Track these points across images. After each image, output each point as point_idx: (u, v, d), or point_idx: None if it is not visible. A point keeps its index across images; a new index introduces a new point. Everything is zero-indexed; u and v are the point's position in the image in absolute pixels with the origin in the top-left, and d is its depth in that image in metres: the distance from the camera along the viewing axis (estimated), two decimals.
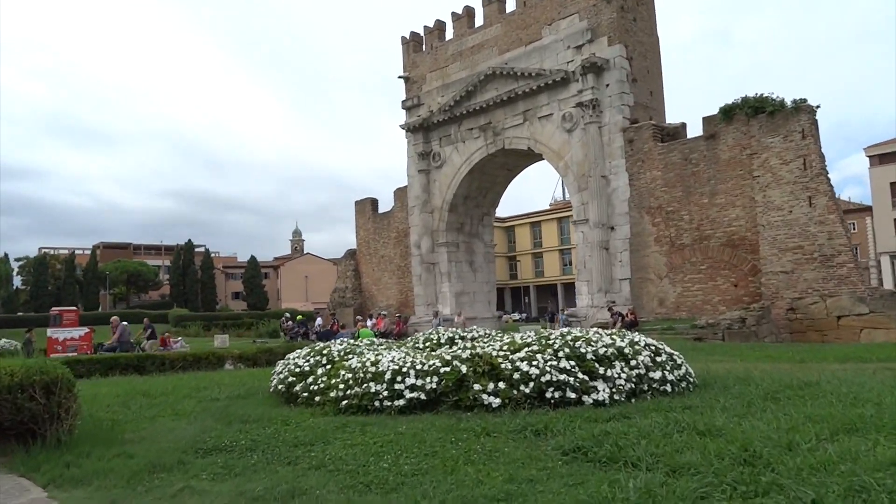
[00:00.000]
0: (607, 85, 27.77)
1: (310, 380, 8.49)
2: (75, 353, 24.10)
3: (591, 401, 7.12)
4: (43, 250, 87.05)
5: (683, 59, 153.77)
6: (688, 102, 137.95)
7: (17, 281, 77.13)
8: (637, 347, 8.05)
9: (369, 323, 24.52)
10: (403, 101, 36.68)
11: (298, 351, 9.89)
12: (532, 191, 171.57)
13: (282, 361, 9.57)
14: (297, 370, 8.95)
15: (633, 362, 7.72)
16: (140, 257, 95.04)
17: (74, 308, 29.96)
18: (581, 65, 27.78)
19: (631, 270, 26.91)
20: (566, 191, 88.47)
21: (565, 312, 32.67)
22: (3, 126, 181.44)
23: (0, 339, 29.22)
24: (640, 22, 28.91)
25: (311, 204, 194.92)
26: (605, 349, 7.76)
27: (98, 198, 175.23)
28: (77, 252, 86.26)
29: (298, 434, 6.58)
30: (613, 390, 7.35)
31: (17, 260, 79.83)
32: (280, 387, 8.92)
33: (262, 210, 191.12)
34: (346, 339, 19.61)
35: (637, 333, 9.18)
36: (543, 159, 32.48)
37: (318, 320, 27.14)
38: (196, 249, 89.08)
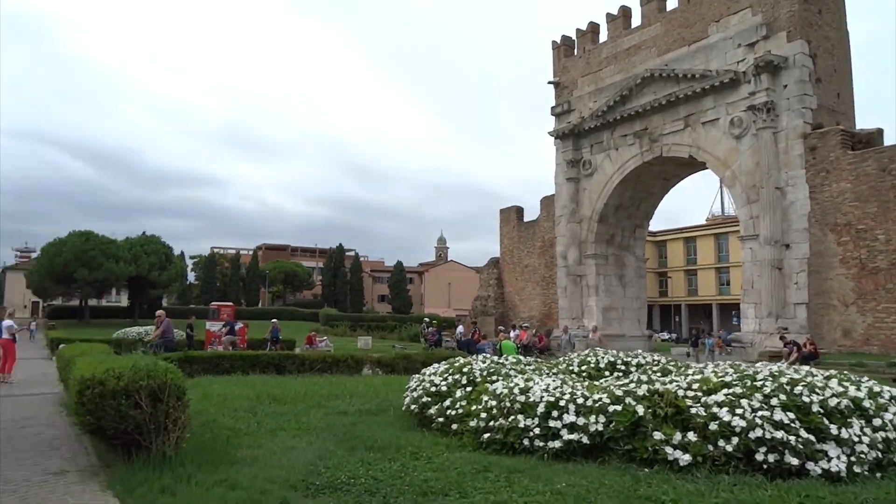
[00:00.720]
0: (785, 86, 24.80)
1: (447, 402, 7.56)
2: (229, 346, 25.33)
3: (819, 470, 5.49)
4: (213, 249, 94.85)
5: (878, 58, 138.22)
6: (883, 107, 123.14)
7: (191, 276, 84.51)
8: (881, 400, 6.25)
9: (511, 335, 23.49)
10: (553, 108, 35.40)
11: (436, 366, 8.95)
12: (685, 204, 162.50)
13: (417, 377, 8.68)
14: (434, 389, 7.98)
15: (876, 421, 5.96)
16: (296, 259, 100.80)
17: (231, 304, 31.61)
18: (754, 64, 25.04)
19: (808, 294, 23.74)
20: (727, 203, 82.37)
21: (728, 336, 29.79)
22: (186, 139, 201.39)
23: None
24: (825, 15, 25.61)
25: (456, 212, 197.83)
26: (836, 400, 6.03)
27: (263, 203, 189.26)
28: (242, 252, 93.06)
29: (429, 475, 5.60)
30: (852, 458, 5.66)
31: (192, 258, 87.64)
32: (413, 406, 8.05)
33: (409, 217, 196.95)
34: (487, 351, 18.79)
35: (816, 368, 7.36)
36: (705, 168, 29.87)
37: (460, 328, 26.57)
38: (346, 253, 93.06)
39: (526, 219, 39.31)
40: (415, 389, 8.34)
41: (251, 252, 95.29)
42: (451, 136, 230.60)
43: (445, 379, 8.15)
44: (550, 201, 36.18)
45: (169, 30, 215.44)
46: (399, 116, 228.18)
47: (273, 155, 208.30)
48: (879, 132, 23.58)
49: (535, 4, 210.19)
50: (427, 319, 33.30)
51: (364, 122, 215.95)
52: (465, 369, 8.27)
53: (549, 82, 35.65)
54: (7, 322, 15.63)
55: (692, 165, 30.53)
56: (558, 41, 35.58)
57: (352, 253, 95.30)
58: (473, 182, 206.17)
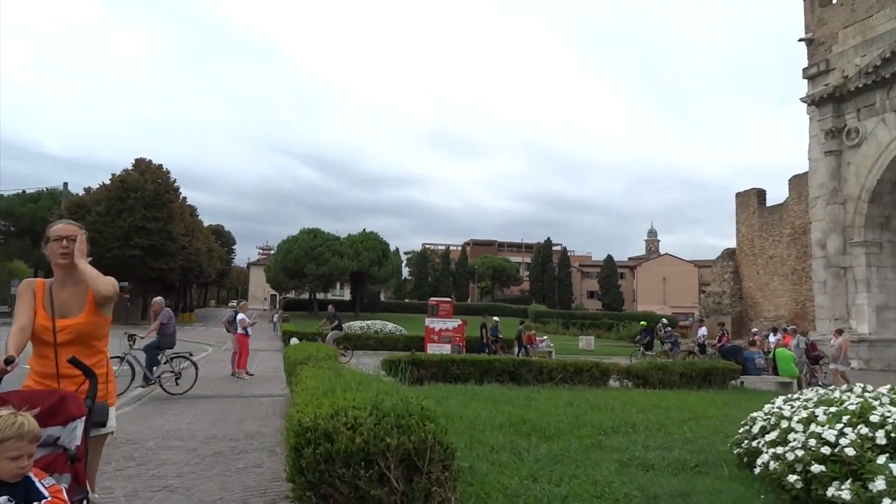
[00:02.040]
0: None
1: (878, 485, 3.84)
2: (447, 346, 24.44)
3: None
4: (424, 245, 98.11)
5: None
6: None
7: (405, 272, 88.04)
8: None
9: (772, 339, 19.66)
10: (805, 69, 30.04)
11: (781, 401, 5.95)
12: None
13: (759, 415, 5.83)
14: (825, 451, 4.43)
15: None
16: (503, 254, 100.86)
17: (449, 299, 30.98)
18: None
19: None
20: None
21: None
22: (397, 143, 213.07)
23: (388, 323, 31.47)
24: None
25: (662, 204, 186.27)
26: None
27: (468, 201, 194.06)
28: (451, 248, 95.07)
29: None
30: None
31: (406, 254, 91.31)
32: (778, 469, 4.69)
33: (612, 211, 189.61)
34: (758, 362, 15.51)
35: None
36: None
37: (703, 330, 23.09)
38: (553, 248, 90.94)
39: (768, 203, 34.15)
40: (769, 441, 5.11)
41: (460, 248, 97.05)
42: (655, 124, 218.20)
43: (841, 432, 4.55)
44: (802, 180, 30.81)
45: (381, 43, 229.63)
46: (601, 106, 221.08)
47: (476, 153, 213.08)
48: None
49: None
50: (665, 320, 29.90)
51: (566, 116, 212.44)
52: (874, 417, 4.61)
53: (801, 39, 30.31)
54: (241, 315, 15.57)
55: None
56: None
57: (559, 247, 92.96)
58: (679, 171, 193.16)
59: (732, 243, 35.55)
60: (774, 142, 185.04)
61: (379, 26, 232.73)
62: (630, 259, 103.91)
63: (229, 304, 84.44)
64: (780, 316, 32.05)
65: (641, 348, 24.15)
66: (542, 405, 8.81)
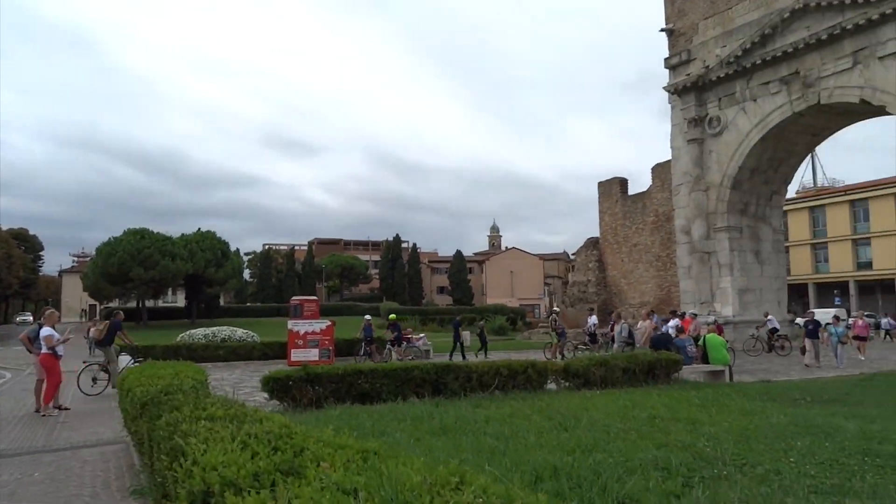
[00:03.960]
0: None
1: None
2: (314, 352, 21.27)
3: None
4: (266, 245, 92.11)
5: None
6: None
7: (246, 274, 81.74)
8: None
9: (670, 324, 18.83)
10: (667, 59, 30.46)
11: None
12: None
13: None
14: None
15: None
16: (350, 252, 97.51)
17: (315, 298, 27.60)
18: None
19: None
20: (820, 174, 75.35)
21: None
22: (229, 142, 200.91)
23: (238, 330, 27.25)
24: None
25: (498, 203, 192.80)
26: None
27: (307, 202, 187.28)
28: (296, 248, 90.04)
29: None
30: None
31: (246, 254, 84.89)
32: None
33: (452, 210, 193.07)
34: (689, 350, 14.25)
35: None
36: (874, 116, 24.72)
37: (593, 319, 21.95)
38: (402, 245, 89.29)
39: (630, 192, 34.52)
40: None
41: (305, 247, 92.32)
42: (489, 127, 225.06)
43: None
44: (665, 169, 31.24)
45: (206, 36, 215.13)
46: (438, 110, 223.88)
47: (314, 154, 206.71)
48: None
49: None
50: (557, 310, 28.78)
51: (405, 119, 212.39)
52: None
53: (662, 29, 30.70)
54: (46, 331, 11.06)
55: (857, 114, 25.39)
56: None
57: (407, 244, 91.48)
58: (514, 172, 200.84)
59: (561, 241, 35.72)
60: (630, 135, 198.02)
61: (201, 19, 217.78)
62: (476, 254, 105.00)
63: (18, 318, 71.88)
64: (646, 302, 32.39)
65: (553, 334, 22.79)
66: (518, 435, 6.31)
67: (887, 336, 33.33)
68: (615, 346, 19.22)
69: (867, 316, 36.41)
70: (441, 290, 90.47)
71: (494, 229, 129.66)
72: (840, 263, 60.77)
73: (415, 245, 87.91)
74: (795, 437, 5.90)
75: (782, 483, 4.28)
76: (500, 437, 6.17)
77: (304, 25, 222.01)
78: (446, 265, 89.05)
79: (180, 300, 68.57)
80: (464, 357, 23.36)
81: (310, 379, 10.13)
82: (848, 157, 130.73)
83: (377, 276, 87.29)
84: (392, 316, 24.31)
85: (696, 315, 18.75)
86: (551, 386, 11.25)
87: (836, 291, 60.09)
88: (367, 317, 24.16)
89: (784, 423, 6.90)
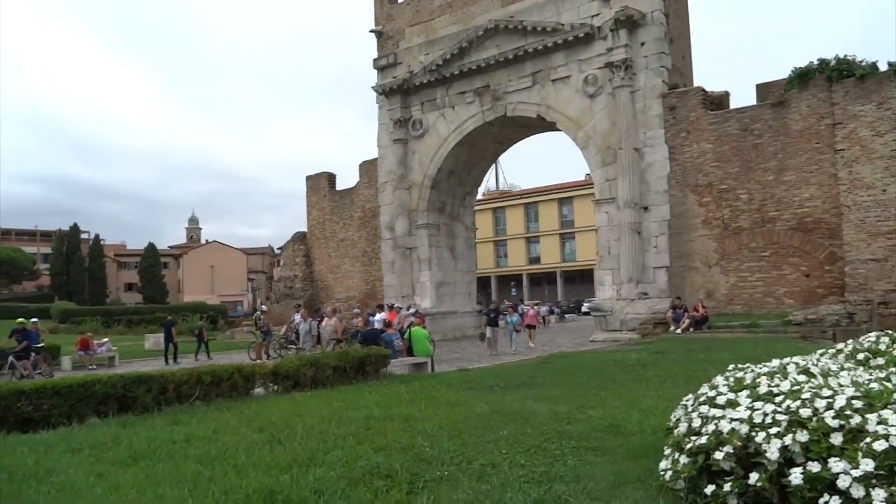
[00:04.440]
0: (643, 43, 23.87)
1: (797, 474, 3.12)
2: None
3: None
4: None
5: None
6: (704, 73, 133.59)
7: None
8: None
9: (378, 317, 19.22)
10: (376, 60, 31.29)
11: (715, 384, 4.29)
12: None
13: (682, 415, 4.15)
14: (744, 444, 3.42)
15: None
16: (10, 243, 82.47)
17: None
18: (614, 18, 23.70)
19: (670, 258, 23.22)
20: (502, 178, 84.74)
21: (587, 305, 28.73)
22: None
23: None
24: None
25: (197, 193, 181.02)
26: None
27: None
28: None
29: None
30: None
31: None
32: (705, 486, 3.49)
33: (144, 199, 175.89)
34: (396, 344, 14.51)
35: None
36: (550, 130, 28.42)
37: (297, 317, 21.28)
38: (81, 236, 78.45)
39: (339, 187, 34.78)
40: (694, 448, 3.66)
41: None
42: (188, 111, 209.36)
43: (765, 415, 3.49)
44: (372, 166, 32.14)
45: None
46: (129, 88, 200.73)
47: None
48: (727, 94, 23.80)
49: None
50: (263, 307, 27.21)
51: (87, 93, 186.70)
52: (779, 387, 3.80)
53: (371, 31, 31.40)
54: None
55: (535, 127, 28.86)
56: None
57: (88, 235, 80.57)
58: (215, 161, 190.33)
59: (267, 234, 35.14)
60: (336, 131, 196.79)
61: None
62: (171, 248, 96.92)
63: None
64: (352, 296, 32.97)
65: (258, 333, 21.62)
66: (231, 442, 5.65)
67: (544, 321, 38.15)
68: (326, 343, 19.00)
69: (536, 304, 42.11)
70: (130, 287, 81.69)
71: (193, 221, 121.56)
72: (516, 258, 69.55)
73: (97, 236, 77.75)
74: (500, 426, 6.21)
75: (499, 477, 4.36)
76: (204, 459, 5.37)
77: None
78: (136, 259, 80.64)
79: None
80: (176, 360, 21.47)
81: None
82: (523, 165, 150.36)
83: (47, 272, 75.34)
84: (20, 321, 19.54)
85: (400, 308, 19.55)
86: (259, 391, 10.52)
87: (512, 283, 68.64)
88: (34, 319, 20.46)
89: (487, 411, 7.28)
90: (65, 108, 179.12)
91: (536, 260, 68.64)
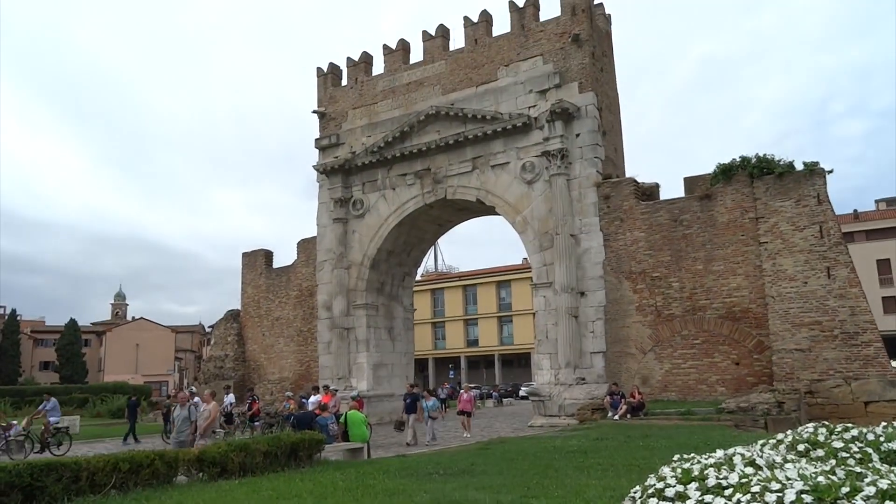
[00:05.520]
0: (577, 135, 25.00)
1: None
2: None
3: None
4: None
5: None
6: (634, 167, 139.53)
7: None
8: None
9: (312, 399, 18.45)
10: (318, 139, 31.61)
11: (662, 475, 4.03)
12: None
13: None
14: None
15: None
16: None
17: None
18: (550, 110, 24.84)
19: (606, 343, 23.52)
20: (441, 260, 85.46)
21: (525, 389, 28.41)
22: None
23: None
24: (605, 74, 26.87)
25: (125, 268, 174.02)
26: None
27: None
28: None
29: None
30: None
31: None
32: None
33: (67, 272, 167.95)
34: (331, 428, 13.86)
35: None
36: (488, 214, 29.03)
37: (230, 398, 20.20)
38: None
39: (275, 265, 34.17)
40: None
41: None
42: (116, 183, 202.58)
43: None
44: (310, 244, 31.83)
45: None
46: (55, 158, 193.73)
47: None
48: (657, 186, 24.94)
49: (211, 54, 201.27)
50: (192, 388, 25.73)
51: (9, 161, 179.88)
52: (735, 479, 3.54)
53: (314, 111, 31.83)
54: None
55: (474, 211, 29.40)
56: (325, 68, 32.15)
57: (3, 311, 75.98)
58: (144, 235, 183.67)
59: (197, 311, 34.02)
60: (273, 209, 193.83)
61: None
62: (94, 324, 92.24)
63: None
64: (285, 377, 31.84)
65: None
66: None
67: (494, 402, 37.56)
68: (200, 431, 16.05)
69: (473, 388, 41.57)
70: (46, 365, 76.70)
71: (120, 297, 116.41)
72: (454, 340, 69.14)
73: (14, 311, 73.33)
74: None
75: None
76: None
77: None
78: (55, 336, 76.11)
79: None
80: (137, 440, 21.48)
81: None
82: (462, 247, 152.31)
83: None
84: None
85: (336, 390, 18.87)
86: (182, 479, 9.78)
87: (451, 366, 67.94)
88: None
89: (428, 501, 6.92)
90: None
91: (475, 342, 68.46)
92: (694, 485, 3.92)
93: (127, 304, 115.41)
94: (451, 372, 65.49)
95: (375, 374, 29.39)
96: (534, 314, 26.01)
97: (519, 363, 65.99)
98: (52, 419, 20.10)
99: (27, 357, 75.08)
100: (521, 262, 68.38)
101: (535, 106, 25.97)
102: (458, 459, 11.45)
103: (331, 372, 29.39)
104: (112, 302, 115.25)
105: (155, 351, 78.11)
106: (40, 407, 21.13)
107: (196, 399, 20.38)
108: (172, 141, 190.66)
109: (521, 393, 50.27)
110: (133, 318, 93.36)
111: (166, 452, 9.83)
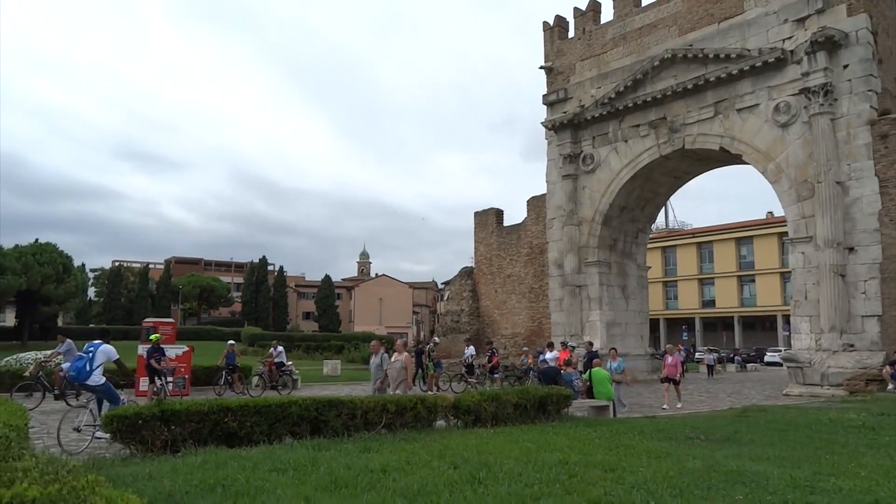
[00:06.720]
0: (845, 66, 21.64)
1: None
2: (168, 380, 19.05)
3: None
4: (117, 262, 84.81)
5: None
6: None
7: (91, 292, 74.41)
8: None
9: (549, 355, 18.73)
10: (545, 95, 31.27)
11: None
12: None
13: None
14: None
15: None
16: (210, 273, 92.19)
17: (171, 321, 25.11)
18: (811, 40, 21.74)
19: (882, 305, 20.44)
20: (672, 216, 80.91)
21: (780, 354, 26.19)
22: (75, 149, 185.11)
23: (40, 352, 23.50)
24: None
25: (364, 229, 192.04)
26: None
27: (164, 218, 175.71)
28: (151, 266, 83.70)
29: None
30: None
31: (93, 271, 77.46)
32: None
33: (318, 234, 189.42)
34: (576, 384, 13.98)
35: None
36: (732, 164, 26.67)
37: (470, 350, 21.46)
38: (268, 268, 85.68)
39: (506, 223, 34.92)
40: None
41: (161, 266, 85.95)
42: (357, 153, 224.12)
43: None
44: (540, 202, 31.92)
45: (53, 36, 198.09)
46: (305, 133, 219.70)
47: (172, 169, 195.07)
48: None
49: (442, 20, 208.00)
50: (436, 340, 27.75)
51: (270, 138, 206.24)
52: None
53: (541, 67, 31.51)
54: None
55: (715, 160, 27.16)
56: (551, 22, 31.56)
57: (273, 267, 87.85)
58: (381, 200, 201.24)
59: (428, 270, 35.60)
60: (493, 171, 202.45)
61: (49, 19, 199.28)
62: (344, 280, 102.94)
63: None
64: (518, 333, 32.64)
65: (431, 364, 21.76)
66: (429, 477, 5.43)
67: (711, 372, 33.95)
68: (393, 384, 15.53)
69: (711, 350, 38.74)
70: (307, 315, 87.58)
71: (364, 255, 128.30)
72: (688, 301, 65.45)
73: (281, 268, 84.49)
74: (727, 489, 5.48)
75: None
76: (407, 494, 5.24)
77: (165, 36, 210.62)
78: (314, 290, 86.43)
79: (10, 319, 61.05)
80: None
81: (165, 417, 8.61)
82: (693, 203, 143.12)
83: (239, 300, 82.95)
84: (154, 337, 17.87)
85: (574, 347, 18.84)
86: (441, 423, 10.45)
87: (683, 327, 64.59)
88: (231, 342, 22.22)
89: (701, 468, 6.53)
90: (254, 154, 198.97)
91: (710, 303, 64.12)
92: None
93: (370, 262, 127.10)
94: (685, 334, 62.26)
95: (608, 333, 28.84)
96: (782, 273, 23.41)
97: (763, 326, 60.53)
98: (65, 364, 16.59)
99: (293, 308, 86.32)
100: (764, 217, 62.23)
101: (790, 38, 22.96)
102: (716, 425, 10.74)
103: (562, 329, 29.47)
104: (357, 260, 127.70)
105: (396, 305, 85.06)
106: (56, 350, 18.76)
107: (431, 345, 21.69)
108: (400, 111, 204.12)
109: (767, 359, 46.21)
110: (376, 274, 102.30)
111: (427, 397, 10.56)
